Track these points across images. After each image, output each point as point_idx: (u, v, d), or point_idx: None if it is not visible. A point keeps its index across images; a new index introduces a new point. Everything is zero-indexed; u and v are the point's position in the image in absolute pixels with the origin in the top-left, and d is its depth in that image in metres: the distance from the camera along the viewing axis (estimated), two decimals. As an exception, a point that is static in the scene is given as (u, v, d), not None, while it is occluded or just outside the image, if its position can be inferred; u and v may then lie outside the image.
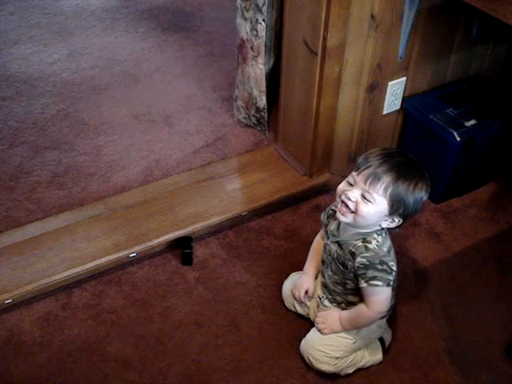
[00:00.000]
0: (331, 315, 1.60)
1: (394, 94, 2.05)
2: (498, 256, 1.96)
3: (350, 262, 1.49)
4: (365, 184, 1.41)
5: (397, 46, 1.92)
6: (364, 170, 1.41)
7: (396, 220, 1.46)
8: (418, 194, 1.42)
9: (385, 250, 1.48)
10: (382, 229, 1.49)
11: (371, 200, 1.41)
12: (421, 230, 2.04)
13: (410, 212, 1.44)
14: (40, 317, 1.75)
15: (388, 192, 1.40)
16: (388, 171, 1.40)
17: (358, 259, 1.46)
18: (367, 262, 1.46)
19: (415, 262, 1.94)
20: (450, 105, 2.05)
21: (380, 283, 1.46)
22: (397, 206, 1.42)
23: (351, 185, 1.44)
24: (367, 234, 1.48)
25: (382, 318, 1.59)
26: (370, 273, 1.46)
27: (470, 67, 2.19)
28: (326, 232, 1.60)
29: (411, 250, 1.97)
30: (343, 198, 1.44)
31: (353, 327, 1.58)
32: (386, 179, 1.39)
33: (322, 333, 1.59)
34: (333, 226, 1.56)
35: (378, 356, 1.66)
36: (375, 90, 1.99)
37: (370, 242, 1.47)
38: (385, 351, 1.67)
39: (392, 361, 1.67)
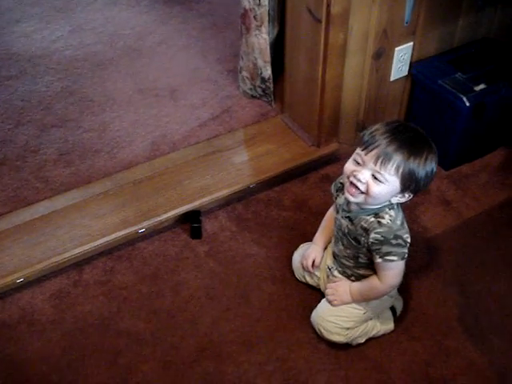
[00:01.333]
0: (341, 287, 1.59)
1: (401, 60, 2.01)
2: (509, 222, 1.95)
3: (362, 238, 1.48)
4: (375, 164, 1.37)
5: (403, 10, 1.89)
6: (373, 149, 1.37)
7: (406, 195, 1.44)
8: (428, 168, 1.39)
9: (398, 223, 1.46)
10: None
11: (383, 180, 1.38)
12: (431, 197, 2.02)
13: (422, 186, 1.42)
14: (52, 295, 1.76)
15: (400, 171, 1.37)
16: (398, 149, 1.36)
17: (372, 235, 1.45)
18: (382, 238, 1.44)
19: (426, 230, 1.92)
20: (458, 69, 2.02)
21: (395, 258, 1.45)
22: (409, 183, 1.39)
23: (359, 164, 1.40)
24: (379, 209, 1.45)
25: (393, 287, 1.59)
26: (385, 248, 1.44)
27: (479, 30, 2.15)
28: (336, 205, 1.58)
29: (422, 217, 1.96)
30: (352, 179, 1.40)
31: (363, 299, 1.57)
32: (397, 158, 1.36)
33: (332, 304, 1.59)
34: (341, 200, 1.54)
35: (390, 325, 1.65)
36: (382, 56, 1.96)
37: (383, 217, 1.45)
38: (396, 320, 1.67)
39: (404, 329, 1.67)
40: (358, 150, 1.41)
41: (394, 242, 1.44)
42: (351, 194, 1.42)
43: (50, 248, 1.80)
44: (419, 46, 2.03)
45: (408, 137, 1.39)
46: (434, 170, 1.42)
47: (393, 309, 1.67)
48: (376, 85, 2.03)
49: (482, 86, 1.96)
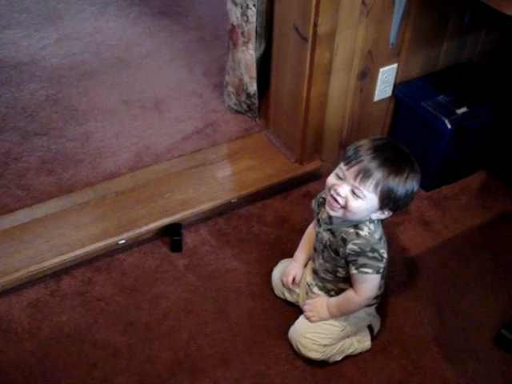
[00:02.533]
0: (319, 302, 1.60)
1: (385, 81, 2.04)
2: (488, 244, 1.97)
3: (341, 249, 1.49)
4: (355, 180, 1.38)
5: (388, 32, 1.91)
6: (354, 164, 1.39)
7: (386, 213, 1.45)
8: (409, 187, 1.41)
9: (376, 237, 1.47)
10: None
11: (361, 196, 1.39)
12: (411, 218, 2.04)
13: (401, 205, 1.44)
14: (29, 304, 1.74)
15: (378, 188, 1.38)
16: (379, 167, 1.37)
17: (350, 246, 1.46)
18: (358, 249, 1.45)
19: (405, 250, 1.94)
20: (441, 92, 2.04)
21: (370, 271, 1.46)
22: (387, 201, 1.41)
23: (340, 178, 1.42)
24: (360, 222, 1.47)
25: (371, 305, 1.60)
26: (361, 260, 1.45)
27: (463, 54, 2.18)
28: (318, 220, 1.59)
29: (401, 237, 1.97)
30: (332, 192, 1.42)
31: (341, 313, 1.58)
32: (377, 176, 1.37)
33: (310, 320, 1.59)
34: (324, 215, 1.55)
35: (367, 343, 1.66)
36: (366, 76, 1.98)
37: (362, 229, 1.46)
38: (373, 339, 1.68)
39: (381, 348, 1.68)
40: (341, 165, 1.43)
41: (370, 254, 1.45)
42: (331, 208, 1.44)
43: (29, 257, 1.79)
44: (403, 67, 2.05)
45: (391, 155, 1.41)
46: (415, 189, 1.43)
47: (370, 327, 1.67)
48: (360, 104, 2.05)
49: (464, 110, 1.99)
